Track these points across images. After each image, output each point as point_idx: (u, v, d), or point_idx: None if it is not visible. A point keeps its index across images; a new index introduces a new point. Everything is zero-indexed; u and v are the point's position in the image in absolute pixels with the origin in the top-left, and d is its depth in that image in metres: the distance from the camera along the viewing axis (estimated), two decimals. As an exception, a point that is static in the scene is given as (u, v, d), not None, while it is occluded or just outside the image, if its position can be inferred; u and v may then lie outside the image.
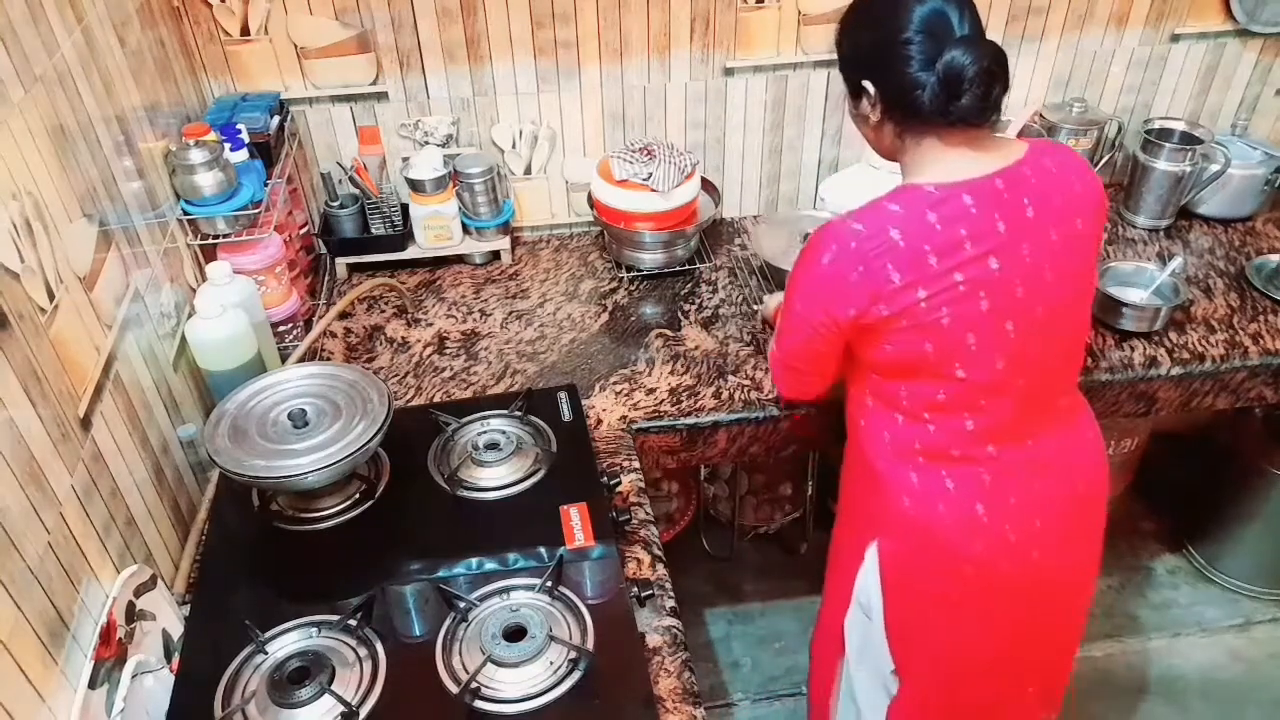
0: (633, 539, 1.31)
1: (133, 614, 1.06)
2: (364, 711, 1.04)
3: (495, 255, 1.93)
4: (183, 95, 1.61)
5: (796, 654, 2.21)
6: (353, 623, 1.12)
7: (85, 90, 1.19)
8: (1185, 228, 2.01)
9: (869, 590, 1.32)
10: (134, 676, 1.03)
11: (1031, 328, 1.15)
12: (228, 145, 1.51)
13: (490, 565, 1.22)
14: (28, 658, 0.88)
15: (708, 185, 1.93)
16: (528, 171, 1.93)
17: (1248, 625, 2.27)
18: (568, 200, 2.00)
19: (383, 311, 1.81)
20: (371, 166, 1.81)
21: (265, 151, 1.62)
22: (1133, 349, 1.65)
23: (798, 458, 2.25)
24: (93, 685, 0.96)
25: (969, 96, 1.07)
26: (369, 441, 1.23)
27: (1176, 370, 1.62)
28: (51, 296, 1.03)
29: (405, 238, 1.87)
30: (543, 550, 1.22)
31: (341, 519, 1.29)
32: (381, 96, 1.81)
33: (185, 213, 1.47)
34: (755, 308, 1.76)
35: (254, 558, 1.28)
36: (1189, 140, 1.96)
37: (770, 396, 1.55)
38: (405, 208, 1.87)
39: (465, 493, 1.32)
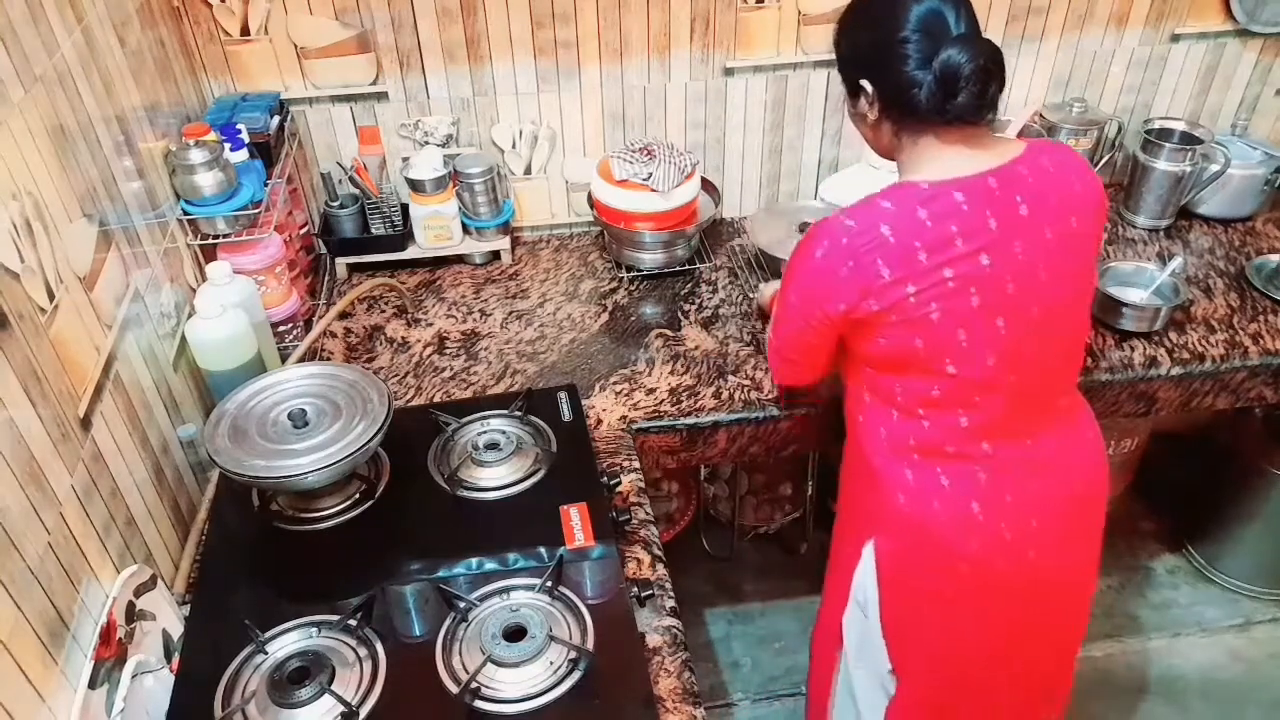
0: (633, 539, 1.31)
1: (133, 614, 1.06)
2: (364, 711, 1.04)
3: (495, 255, 1.93)
4: (183, 95, 1.61)
5: (796, 654, 2.21)
6: (353, 623, 1.12)
7: (85, 90, 1.19)
8: (1185, 228, 2.01)
9: (866, 588, 1.32)
10: (134, 676, 1.02)
11: (1025, 326, 1.15)
12: (228, 145, 1.51)
13: (490, 565, 1.22)
14: (28, 658, 0.88)
15: (708, 185, 1.93)
16: (528, 171, 1.93)
17: (1248, 625, 2.27)
18: (568, 200, 2.00)
19: (383, 311, 1.81)
20: (371, 166, 1.81)
21: (265, 151, 1.62)
22: (1133, 349, 1.65)
23: (798, 458, 2.25)
24: (93, 685, 0.96)
25: (965, 94, 1.07)
26: (369, 441, 1.23)
27: (1176, 370, 1.62)
28: (51, 296, 1.03)
29: (405, 238, 1.87)
30: (543, 550, 1.22)
31: (341, 519, 1.29)
32: (381, 96, 1.81)
33: (185, 213, 1.47)
34: (751, 295, 1.77)
35: (254, 558, 1.28)
36: (1189, 140, 1.96)
37: (770, 396, 1.55)
38: (405, 208, 1.87)
39: (465, 493, 1.32)
